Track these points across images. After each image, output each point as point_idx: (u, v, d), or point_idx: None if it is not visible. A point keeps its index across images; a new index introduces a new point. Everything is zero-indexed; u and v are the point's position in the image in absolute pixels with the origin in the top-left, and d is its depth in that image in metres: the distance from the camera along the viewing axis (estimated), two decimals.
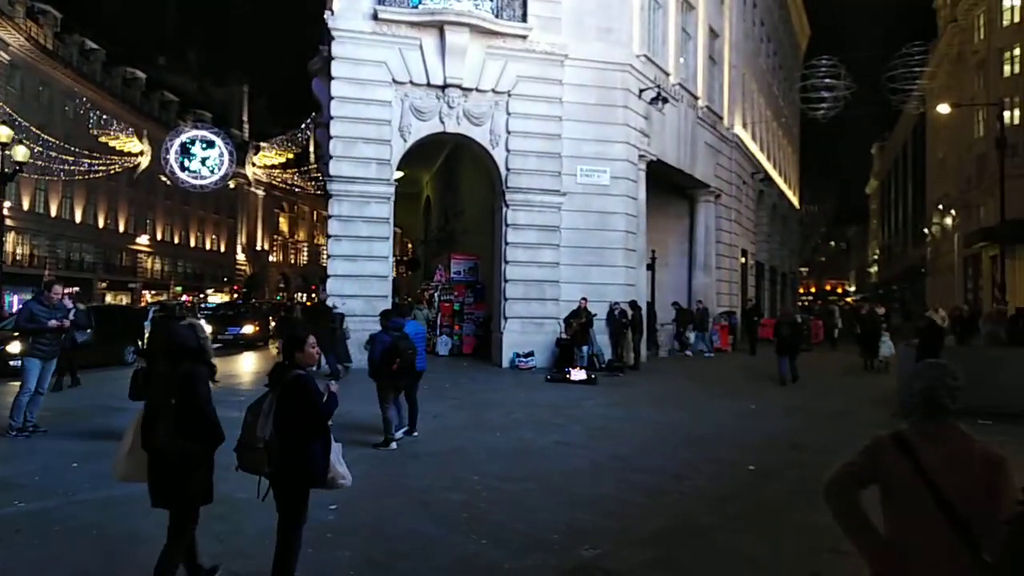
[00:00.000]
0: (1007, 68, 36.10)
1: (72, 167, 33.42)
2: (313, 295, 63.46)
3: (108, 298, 46.23)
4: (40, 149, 30.77)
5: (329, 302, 16.15)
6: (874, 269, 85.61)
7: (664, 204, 23.49)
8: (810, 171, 56.84)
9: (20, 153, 18.20)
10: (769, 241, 36.51)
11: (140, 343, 15.65)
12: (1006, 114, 31.54)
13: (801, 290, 68.85)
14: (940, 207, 44.46)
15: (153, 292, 51.40)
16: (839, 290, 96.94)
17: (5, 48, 37.21)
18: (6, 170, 18.17)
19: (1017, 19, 35.72)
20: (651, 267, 22.25)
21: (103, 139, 32.99)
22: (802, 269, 67.39)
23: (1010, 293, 26.29)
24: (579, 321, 16.45)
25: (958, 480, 2.29)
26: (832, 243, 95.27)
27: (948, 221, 43.26)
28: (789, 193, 44.28)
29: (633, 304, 17.98)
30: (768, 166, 35.38)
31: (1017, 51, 35.32)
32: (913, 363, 10.85)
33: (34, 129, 31.69)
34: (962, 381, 2.46)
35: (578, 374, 14.98)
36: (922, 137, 52.45)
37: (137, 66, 51.66)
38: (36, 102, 39.35)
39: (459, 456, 8.01)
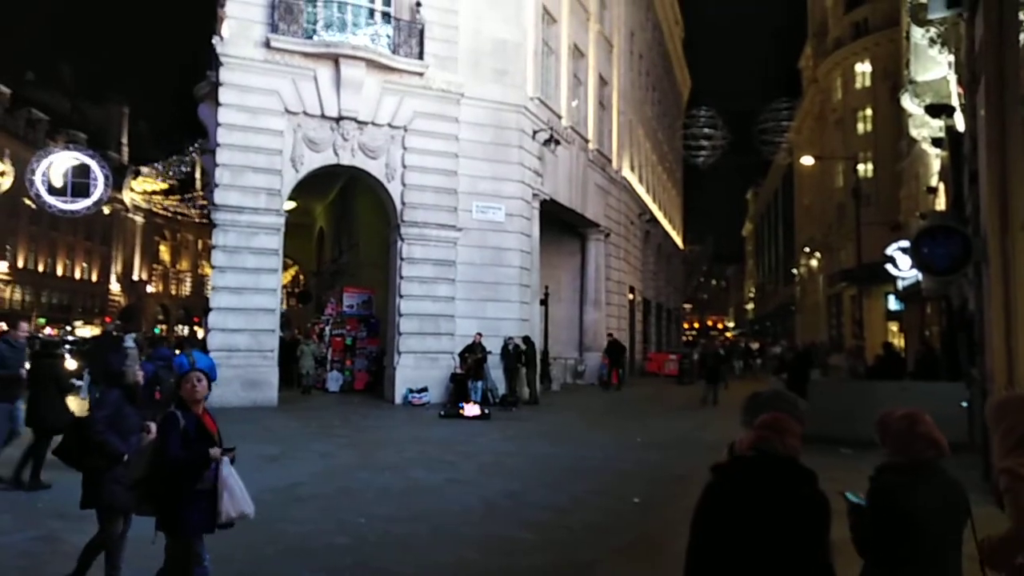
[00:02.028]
0: (860, 126, 39.95)
1: None
2: (196, 326, 60.15)
3: None
4: None
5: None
6: (751, 306, 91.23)
7: (557, 242, 24.16)
8: (692, 213, 60.37)
9: None
10: (655, 279, 38.19)
11: None
12: (860, 167, 34.87)
13: (685, 325, 72.26)
14: (807, 250, 48.17)
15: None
16: (719, 325, 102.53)
17: None
18: None
19: (868, 83, 39.71)
20: (544, 302, 22.72)
21: None
22: (686, 305, 70.86)
23: (867, 329, 28.72)
24: (474, 356, 16.51)
25: None
26: (713, 281, 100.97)
27: (814, 263, 46.91)
28: (673, 233, 46.67)
29: (526, 339, 18.25)
30: (654, 207, 37.20)
31: (869, 111, 39.18)
32: None
33: None
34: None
35: (472, 409, 14.96)
36: (790, 185, 56.85)
37: (0, 80, 47.90)
38: None
39: (346, 497, 7.78)
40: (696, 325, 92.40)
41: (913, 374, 15.05)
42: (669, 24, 44.21)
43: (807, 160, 36.77)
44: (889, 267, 23.46)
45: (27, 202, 31.87)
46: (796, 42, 55.77)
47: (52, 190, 27.90)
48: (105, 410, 4.75)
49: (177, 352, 11.97)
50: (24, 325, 8.70)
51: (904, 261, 21.58)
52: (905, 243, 20.59)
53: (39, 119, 51.30)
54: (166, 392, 8.74)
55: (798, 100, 45.80)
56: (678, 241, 50.22)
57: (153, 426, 4.22)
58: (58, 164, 28.11)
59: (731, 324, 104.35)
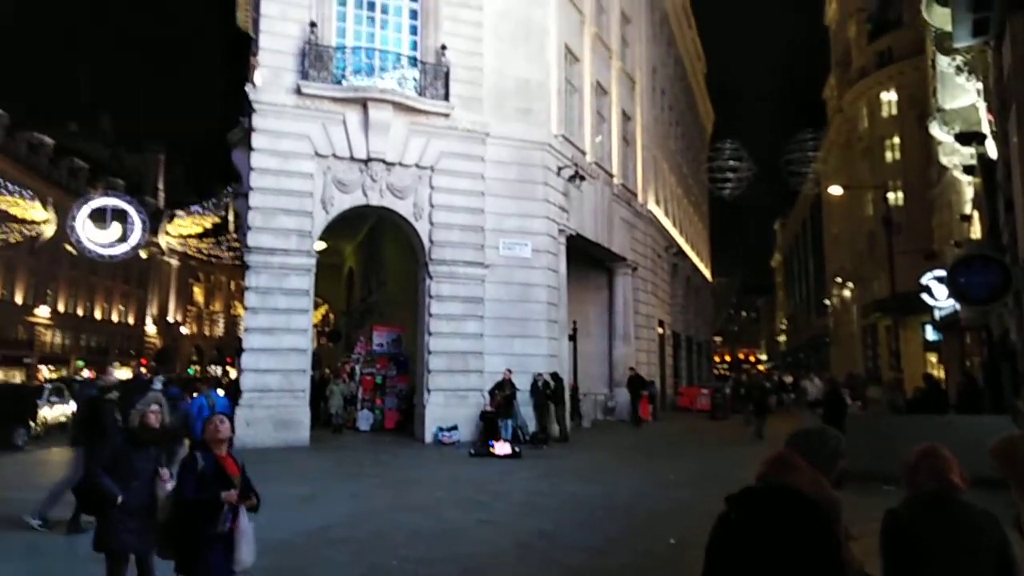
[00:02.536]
0: (889, 155, 39.57)
1: None
2: (228, 367, 60.92)
3: (0, 374, 42.92)
4: None
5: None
6: (783, 338, 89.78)
7: (584, 276, 24.15)
8: (720, 245, 60.04)
9: None
10: (684, 312, 37.87)
11: (32, 424, 14.56)
12: (890, 195, 34.42)
13: (716, 358, 71.25)
14: (838, 280, 47.43)
15: (51, 367, 48.09)
16: (751, 358, 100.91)
17: None
18: None
19: (895, 111, 39.45)
20: (573, 338, 22.62)
21: (3, 206, 31.27)
22: (716, 338, 69.97)
23: (905, 360, 28.02)
24: (503, 393, 16.45)
25: None
26: (743, 313, 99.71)
27: (847, 293, 46.12)
28: (701, 266, 46.37)
29: (555, 375, 18.14)
30: (681, 240, 37.08)
31: (897, 140, 38.84)
32: None
33: None
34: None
35: (502, 448, 14.85)
36: (819, 215, 56.30)
37: (44, 131, 49.80)
38: None
39: (378, 539, 7.74)
40: (727, 358, 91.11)
41: (956, 407, 14.60)
42: (691, 59, 44.58)
43: (835, 190, 36.44)
44: (925, 297, 22.97)
45: (68, 248, 32.85)
46: (819, 72, 55.80)
47: (92, 236, 28.86)
48: (106, 454, 4.85)
49: (195, 394, 12.18)
50: (112, 371, 9.17)
51: (940, 290, 21.14)
52: (941, 272, 20.21)
53: (80, 168, 53.06)
54: (169, 431, 9.03)
55: (823, 130, 45.64)
56: (706, 273, 49.86)
57: (166, 472, 4.27)
58: (97, 210, 29.09)
59: (763, 356, 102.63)
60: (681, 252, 36.41)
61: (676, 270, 35.22)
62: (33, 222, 32.09)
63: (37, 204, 32.06)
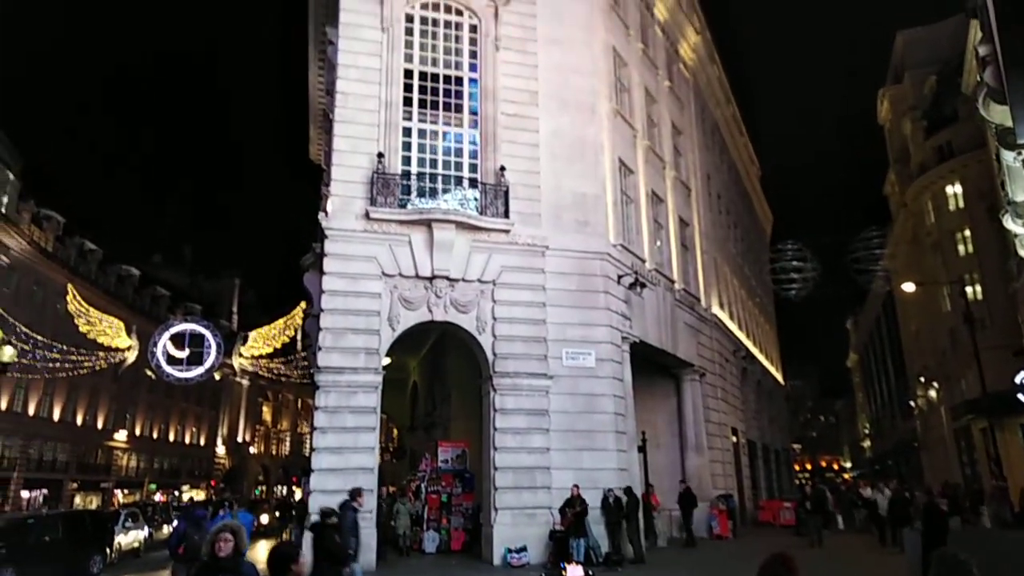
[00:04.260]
0: (961, 248, 38.35)
1: (57, 365, 33.31)
2: (295, 486, 60.85)
3: (78, 500, 44.00)
4: (27, 348, 30.84)
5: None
6: (867, 443, 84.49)
7: (650, 385, 23.60)
8: (790, 347, 58.17)
9: (7, 354, 18.23)
10: (758, 418, 36.30)
11: (108, 551, 14.66)
12: (968, 289, 33.06)
13: (797, 467, 67.32)
14: (922, 379, 44.92)
15: (126, 492, 49.08)
16: (835, 466, 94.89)
17: (6, 252, 38.61)
18: None
19: (962, 204, 38.59)
20: (642, 449, 21.84)
21: (92, 335, 33.22)
22: (795, 446, 66.37)
23: (1006, 467, 25.85)
24: (573, 510, 15.80)
25: None
26: (821, 417, 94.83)
27: (932, 394, 43.50)
28: (772, 369, 44.81)
29: (628, 490, 17.39)
30: (748, 343, 36.12)
31: (968, 232, 37.74)
32: (920, 550, 10.40)
33: (22, 328, 31.97)
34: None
35: (575, 571, 14.06)
36: (893, 312, 54.28)
37: (132, 263, 53.51)
38: (29, 302, 40.10)
39: None
40: (808, 466, 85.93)
41: None
42: (745, 164, 45.21)
43: (908, 287, 35.22)
44: (1021, 396, 21.46)
45: (148, 372, 34.31)
46: (876, 168, 55.59)
47: (170, 360, 30.19)
48: None
49: (220, 512, 12.66)
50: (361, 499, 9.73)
51: None
52: None
53: (162, 295, 56.35)
54: (191, 549, 9.69)
55: (888, 226, 44.87)
56: (778, 377, 48.07)
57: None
58: (176, 335, 30.55)
59: (847, 464, 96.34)
60: (750, 356, 35.39)
61: (746, 375, 34.10)
62: (118, 349, 33.84)
63: (122, 332, 33.93)
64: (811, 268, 23.81)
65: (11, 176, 40.20)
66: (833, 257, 23.55)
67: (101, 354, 34.25)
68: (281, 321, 36.04)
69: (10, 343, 18.89)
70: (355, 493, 11.42)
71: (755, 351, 37.96)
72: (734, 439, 29.04)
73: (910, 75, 46.32)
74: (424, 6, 19.98)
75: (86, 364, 34.06)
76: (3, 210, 38.42)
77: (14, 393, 39.56)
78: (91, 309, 34.05)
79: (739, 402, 31.33)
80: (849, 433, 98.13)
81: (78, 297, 33.94)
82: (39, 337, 33.21)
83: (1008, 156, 14.95)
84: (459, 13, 20.21)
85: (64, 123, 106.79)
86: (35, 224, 42.37)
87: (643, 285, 20.63)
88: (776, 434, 42.81)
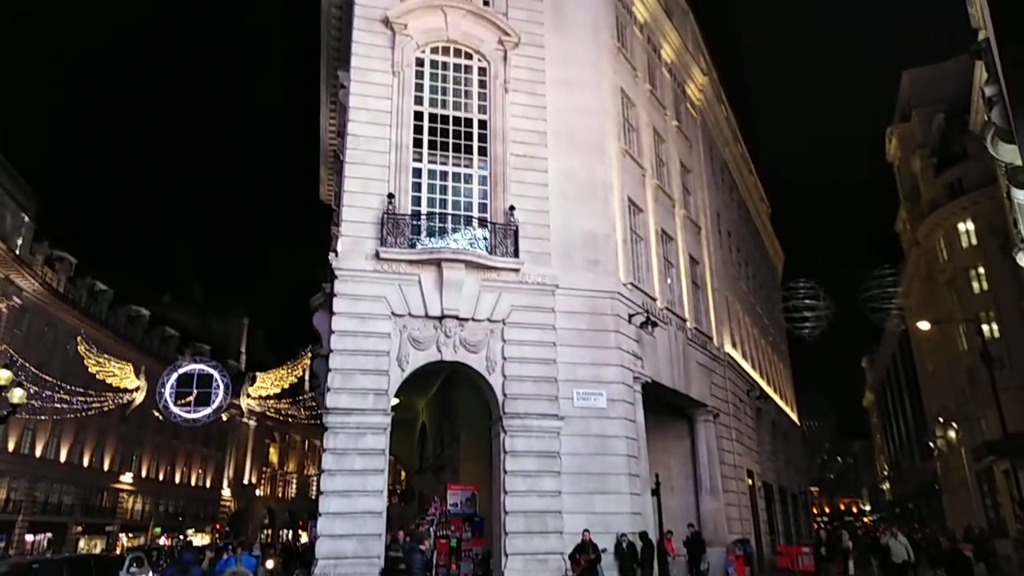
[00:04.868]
0: (976, 285, 37.94)
1: (66, 406, 33.21)
2: (301, 530, 59.89)
3: (82, 544, 43.42)
4: (36, 389, 30.78)
5: None
6: (886, 485, 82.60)
7: (663, 426, 23.17)
8: (805, 386, 57.26)
9: (17, 396, 18.07)
10: (774, 460, 35.55)
11: None
12: (984, 328, 32.60)
13: (815, 510, 65.74)
14: (940, 420, 44.03)
15: (131, 535, 48.43)
16: (854, 509, 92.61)
17: (19, 293, 38.89)
18: (1, 411, 17.94)
19: (975, 241, 38.31)
20: (656, 492, 21.31)
21: (100, 376, 33.18)
22: (812, 488, 64.94)
23: None
24: (586, 557, 15.33)
25: None
26: (839, 459, 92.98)
27: (952, 434, 42.58)
28: (787, 409, 44.07)
29: (643, 535, 16.90)
30: (762, 383, 35.59)
31: (982, 269, 37.37)
32: None
33: (33, 369, 31.99)
34: None
35: None
36: (908, 351, 53.57)
37: (142, 303, 53.74)
38: (40, 342, 40.23)
39: None
40: (827, 509, 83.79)
41: None
42: (755, 202, 45.21)
43: (923, 325, 34.85)
44: None
45: (155, 413, 34.13)
46: (885, 205, 55.52)
47: (178, 400, 30.03)
48: None
49: (224, 556, 12.59)
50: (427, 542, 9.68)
51: None
52: None
53: (171, 335, 56.42)
54: None
55: (900, 264, 44.56)
56: (793, 417, 47.24)
57: None
58: (184, 375, 30.46)
59: (867, 507, 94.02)
60: (764, 395, 34.82)
61: (761, 415, 33.51)
62: (127, 390, 33.74)
63: (131, 373, 33.86)
64: (824, 306, 23.56)
65: (26, 218, 40.74)
66: (846, 295, 23.32)
67: (109, 395, 34.14)
68: (286, 368, 35.98)
69: (20, 385, 18.75)
70: (420, 536, 11.07)
71: (769, 391, 37.39)
72: (750, 482, 28.37)
73: (917, 113, 46.56)
74: (434, 50, 20.27)
75: (94, 405, 33.93)
76: (18, 251, 38.81)
77: (22, 435, 39.41)
78: (102, 354, 34.08)
79: (754, 443, 30.72)
80: (868, 475, 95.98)
81: (87, 344, 33.99)
82: (48, 378, 33.19)
83: (1019, 195, 14.82)
84: (468, 56, 20.48)
85: (76, 164, 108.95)
86: (48, 265, 42.74)
87: (654, 324, 20.40)
88: (793, 476, 41.88)
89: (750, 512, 27.41)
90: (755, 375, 34.03)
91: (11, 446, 38.45)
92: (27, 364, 31.57)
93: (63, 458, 43.39)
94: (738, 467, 26.47)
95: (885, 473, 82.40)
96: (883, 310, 23.22)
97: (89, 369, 33.11)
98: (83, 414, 34.98)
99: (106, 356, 33.72)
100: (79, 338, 34.48)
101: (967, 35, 17.09)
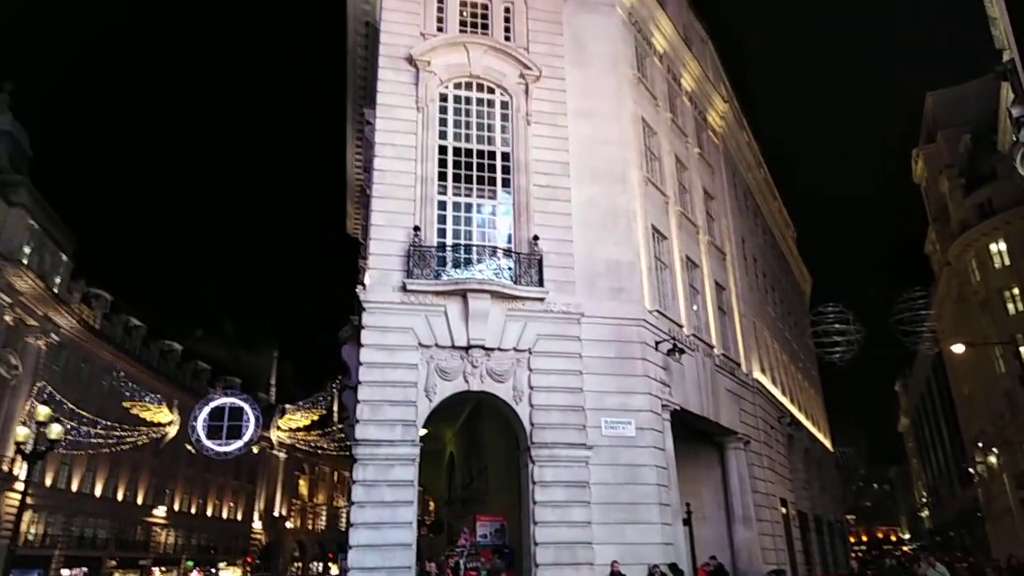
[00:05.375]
0: (1011, 306, 37.18)
1: (101, 440, 33.82)
2: (331, 562, 59.72)
3: None
4: (73, 425, 31.43)
5: None
6: (925, 513, 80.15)
7: (693, 454, 22.93)
8: (837, 412, 56.19)
9: (55, 431, 18.52)
10: (808, 488, 34.83)
11: None
12: (1022, 350, 31.85)
13: (852, 539, 63.96)
14: (980, 445, 42.85)
15: (163, 569, 48.72)
16: (892, 538, 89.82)
17: (56, 331, 39.90)
18: (40, 447, 18.37)
19: (1008, 261, 37.65)
20: (687, 522, 21.02)
21: (135, 411, 33.81)
22: (849, 516, 63.24)
23: None
24: None
25: None
26: (875, 485, 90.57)
27: (992, 460, 41.38)
28: (820, 436, 43.23)
29: (673, 567, 16.67)
30: (793, 409, 35.05)
31: (1016, 290, 36.65)
32: None
33: (69, 405, 32.69)
34: None
35: None
36: (943, 374, 52.39)
37: (175, 338, 54.78)
38: (76, 378, 41.11)
39: None
40: (864, 538, 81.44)
41: None
42: (779, 227, 44.95)
43: (958, 348, 34.11)
44: None
45: (187, 447, 34.58)
46: (913, 226, 54.85)
47: (209, 433, 30.45)
48: None
49: None
50: None
51: None
52: None
53: (203, 369, 57.30)
54: None
55: (931, 286, 43.83)
56: (826, 444, 46.29)
57: None
58: (216, 409, 30.91)
59: (906, 535, 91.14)
60: (796, 422, 34.25)
61: (792, 442, 32.94)
62: (160, 424, 34.29)
63: (164, 408, 34.44)
64: (854, 331, 23.28)
65: (64, 257, 41.96)
66: (876, 318, 23.03)
67: (143, 429, 34.71)
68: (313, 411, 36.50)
69: (58, 420, 19.22)
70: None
71: (801, 417, 36.76)
72: (783, 510, 27.82)
73: (943, 134, 46.19)
74: (457, 85, 20.73)
75: (128, 440, 34.50)
76: (56, 290, 39.92)
77: (59, 470, 40.09)
78: (143, 398, 34.77)
79: (787, 471, 30.16)
80: (906, 502, 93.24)
81: (124, 383, 34.76)
82: (85, 414, 33.87)
83: None
84: (491, 91, 20.90)
85: (111, 201, 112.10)
86: (84, 303, 43.85)
87: (681, 351, 20.32)
88: (828, 504, 40.92)
89: (784, 542, 26.83)
90: (785, 401, 33.54)
91: (48, 481, 39.13)
92: (64, 401, 32.28)
93: (98, 492, 44.01)
94: (771, 495, 26.00)
95: (924, 500, 79.97)
96: (915, 333, 22.83)
97: (123, 403, 33.76)
98: (118, 448, 35.56)
99: (147, 400, 34.31)
100: (115, 375, 35.17)
101: (990, 55, 17.09)
